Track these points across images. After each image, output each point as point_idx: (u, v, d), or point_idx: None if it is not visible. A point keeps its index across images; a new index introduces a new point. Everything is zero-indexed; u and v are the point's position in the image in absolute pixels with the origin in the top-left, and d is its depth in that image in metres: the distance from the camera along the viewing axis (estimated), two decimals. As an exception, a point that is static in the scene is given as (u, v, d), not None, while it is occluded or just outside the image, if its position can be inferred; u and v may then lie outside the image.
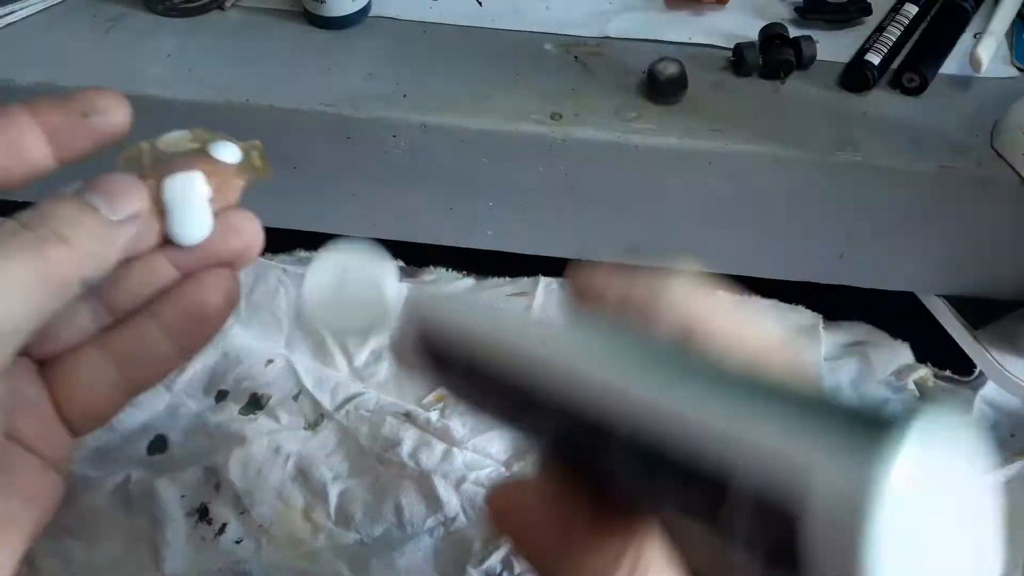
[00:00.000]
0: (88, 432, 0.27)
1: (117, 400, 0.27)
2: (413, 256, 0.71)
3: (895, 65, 0.58)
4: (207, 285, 0.28)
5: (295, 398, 0.63)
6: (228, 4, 0.62)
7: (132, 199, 0.25)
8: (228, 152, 0.29)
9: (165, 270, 0.28)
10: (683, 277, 0.24)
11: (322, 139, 0.57)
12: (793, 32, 0.59)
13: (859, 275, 0.60)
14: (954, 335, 0.62)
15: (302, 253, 0.72)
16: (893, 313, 0.67)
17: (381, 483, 0.66)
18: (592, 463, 0.20)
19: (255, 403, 0.63)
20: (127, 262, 0.26)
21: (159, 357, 0.27)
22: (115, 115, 0.26)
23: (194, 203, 0.27)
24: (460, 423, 0.68)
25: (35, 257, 0.23)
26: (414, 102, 0.56)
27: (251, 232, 0.28)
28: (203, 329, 0.27)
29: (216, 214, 0.28)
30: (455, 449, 0.67)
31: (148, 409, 0.63)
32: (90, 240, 0.24)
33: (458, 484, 0.66)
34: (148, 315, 0.27)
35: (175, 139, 0.28)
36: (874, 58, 0.57)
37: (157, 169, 0.28)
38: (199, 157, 0.28)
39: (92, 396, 0.26)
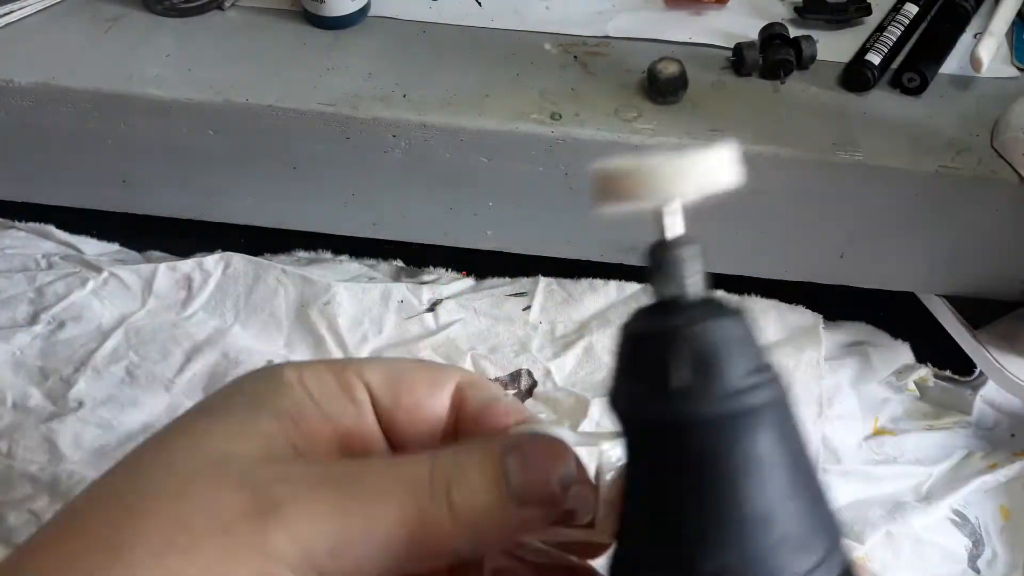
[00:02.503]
0: None
1: None
2: (413, 256, 0.71)
3: (895, 65, 0.58)
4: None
5: (295, 398, 0.63)
6: (227, 4, 0.62)
7: (551, 494, 0.21)
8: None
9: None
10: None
11: (322, 139, 0.57)
12: (793, 32, 0.59)
13: (859, 275, 0.60)
14: (954, 335, 0.62)
15: (301, 253, 0.72)
16: (893, 313, 0.67)
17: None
18: None
19: (255, 403, 0.63)
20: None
21: None
22: None
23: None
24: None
25: (416, 519, 0.20)
26: (414, 102, 0.56)
27: None
28: None
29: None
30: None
31: (148, 410, 0.63)
32: (483, 519, 0.20)
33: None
34: None
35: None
36: (874, 58, 0.57)
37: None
38: None
39: None
